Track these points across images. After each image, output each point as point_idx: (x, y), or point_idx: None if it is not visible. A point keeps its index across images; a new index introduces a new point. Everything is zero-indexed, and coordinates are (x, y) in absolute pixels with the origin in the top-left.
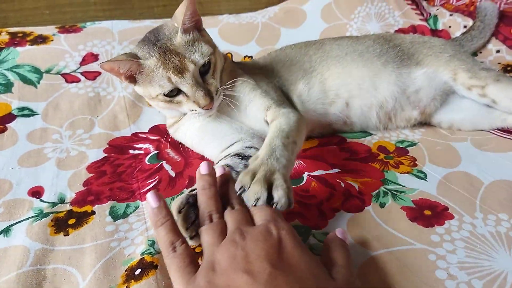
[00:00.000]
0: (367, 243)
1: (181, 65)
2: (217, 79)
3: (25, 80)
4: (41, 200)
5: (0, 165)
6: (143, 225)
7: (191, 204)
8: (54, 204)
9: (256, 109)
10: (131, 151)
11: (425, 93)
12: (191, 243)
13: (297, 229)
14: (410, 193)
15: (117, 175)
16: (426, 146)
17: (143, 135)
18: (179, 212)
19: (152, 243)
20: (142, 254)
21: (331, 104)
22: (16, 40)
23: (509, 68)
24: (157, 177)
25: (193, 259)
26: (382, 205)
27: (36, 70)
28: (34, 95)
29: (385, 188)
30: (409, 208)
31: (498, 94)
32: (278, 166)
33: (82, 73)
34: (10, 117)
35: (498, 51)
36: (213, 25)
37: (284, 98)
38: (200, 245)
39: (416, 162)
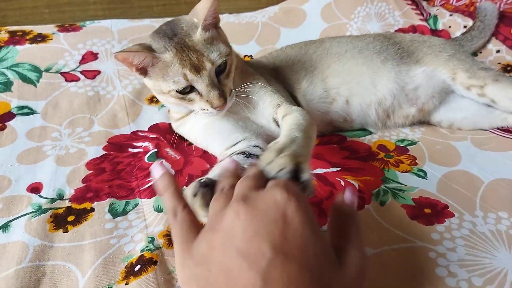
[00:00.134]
0: (368, 241)
1: (199, 63)
2: (231, 80)
3: (25, 79)
4: (40, 196)
5: None
6: (143, 223)
7: (205, 185)
8: (53, 200)
9: (266, 106)
10: (130, 149)
11: (423, 91)
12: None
13: None
14: (410, 191)
15: (116, 172)
16: (426, 145)
17: (143, 134)
18: (194, 196)
19: (152, 240)
20: (142, 251)
21: (332, 102)
22: (16, 38)
23: (509, 68)
24: None
25: (194, 224)
26: (382, 204)
27: (36, 69)
28: (34, 94)
29: (385, 187)
30: (409, 206)
31: (497, 94)
32: (302, 152)
33: (81, 72)
34: (10, 116)
35: (498, 51)
36: None
37: (291, 99)
38: None
39: (416, 161)
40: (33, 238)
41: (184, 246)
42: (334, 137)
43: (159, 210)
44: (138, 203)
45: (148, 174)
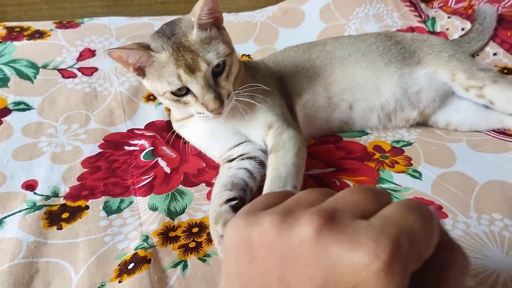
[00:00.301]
0: None
1: (194, 63)
2: (230, 82)
3: (22, 75)
4: (35, 193)
5: None
6: (137, 220)
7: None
8: (47, 197)
9: (258, 125)
10: (126, 147)
11: (425, 94)
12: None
13: None
14: (405, 192)
15: (111, 170)
16: (421, 146)
17: (139, 132)
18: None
19: (146, 238)
20: (136, 249)
21: (334, 109)
22: (13, 34)
23: (505, 71)
24: (152, 173)
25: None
26: None
27: (33, 65)
28: (30, 90)
29: (380, 187)
30: None
31: (495, 95)
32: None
33: (78, 69)
34: (6, 111)
35: (495, 54)
36: None
37: (288, 113)
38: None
39: (411, 161)
40: (27, 234)
41: (246, 212)
42: (330, 137)
43: (153, 208)
44: (133, 201)
45: (144, 172)
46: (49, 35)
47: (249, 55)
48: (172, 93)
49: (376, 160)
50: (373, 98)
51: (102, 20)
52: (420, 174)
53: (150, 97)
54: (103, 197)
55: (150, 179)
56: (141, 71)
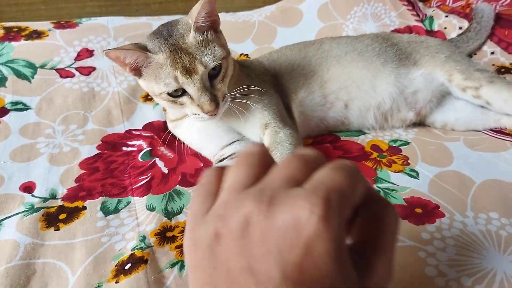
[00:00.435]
0: None
1: (191, 65)
2: (225, 85)
3: (19, 74)
4: (33, 195)
5: None
6: (135, 221)
7: None
8: (45, 200)
9: (254, 124)
10: (124, 148)
11: (422, 95)
12: None
13: None
14: (402, 191)
15: (109, 171)
16: (419, 146)
17: (137, 132)
18: None
19: (143, 239)
20: (133, 249)
21: (330, 108)
22: (11, 34)
23: (503, 70)
24: (149, 173)
25: (213, 193)
26: None
27: (31, 65)
28: (28, 90)
29: (378, 187)
30: (401, 206)
31: (492, 96)
32: None
33: (76, 69)
34: (3, 111)
35: (492, 53)
36: None
37: (284, 111)
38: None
39: (408, 161)
40: (24, 236)
41: (193, 223)
42: (327, 136)
43: (151, 208)
44: (130, 201)
45: (142, 172)
46: (47, 35)
47: (247, 55)
48: (168, 94)
49: (374, 159)
50: (369, 97)
51: (100, 20)
52: (417, 173)
53: (148, 97)
54: (100, 197)
55: (147, 179)
56: (137, 71)
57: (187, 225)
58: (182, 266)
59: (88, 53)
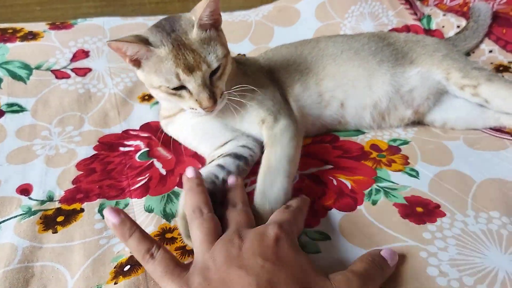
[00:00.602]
0: (359, 241)
1: (195, 63)
2: (224, 82)
3: (15, 76)
4: (30, 198)
5: None
6: None
7: None
8: (43, 202)
9: (251, 121)
10: (121, 148)
11: (418, 93)
12: (190, 243)
13: None
14: (402, 190)
15: (106, 172)
16: (418, 145)
17: (134, 133)
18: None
19: None
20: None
21: (326, 106)
22: (6, 36)
23: (501, 68)
24: (147, 174)
25: (177, 260)
26: (374, 203)
27: (26, 66)
28: (24, 91)
29: (378, 186)
30: (401, 205)
31: (490, 94)
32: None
33: (72, 70)
34: None
35: (490, 51)
36: None
37: (282, 102)
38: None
39: (408, 160)
40: (22, 239)
41: (177, 283)
42: (326, 136)
43: (149, 210)
44: (128, 203)
45: (139, 173)
46: (42, 37)
47: (244, 55)
48: (168, 87)
49: (373, 159)
50: (365, 96)
51: (95, 20)
52: (417, 172)
53: (145, 98)
54: (98, 199)
55: (145, 180)
56: (136, 62)
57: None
58: None
59: (84, 54)
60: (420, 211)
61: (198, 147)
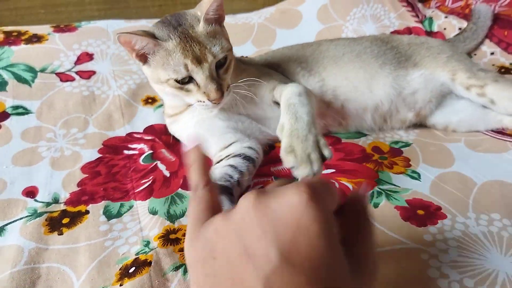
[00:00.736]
0: None
1: (201, 54)
2: (229, 76)
3: (20, 79)
4: (36, 200)
5: None
6: (137, 225)
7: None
8: (48, 204)
9: (263, 95)
10: (125, 152)
11: (421, 95)
12: None
13: None
14: (403, 193)
15: (111, 175)
16: (420, 147)
17: (138, 135)
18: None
19: (147, 243)
20: (137, 254)
21: (328, 106)
22: (11, 39)
23: (503, 70)
24: (151, 177)
25: (211, 205)
26: (376, 205)
27: (31, 69)
28: (29, 94)
29: (379, 188)
30: (403, 207)
31: (497, 94)
32: (306, 128)
33: (76, 72)
34: (4, 116)
35: (492, 53)
36: None
37: (287, 79)
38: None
39: (410, 162)
40: (28, 241)
41: (194, 226)
42: (329, 138)
43: (153, 212)
44: (133, 205)
45: (143, 176)
46: (47, 39)
47: (247, 57)
48: (176, 80)
49: (375, 161)
50: (366, 98)
51: (99, 23)
52: (418, 175)
53: (149, 100)
54: (103, 201)
55: (149, 182)
56: (143, 58)
57: (188, 230)
58: (186, 270)
59: (88, 56)
60: (421, 213)
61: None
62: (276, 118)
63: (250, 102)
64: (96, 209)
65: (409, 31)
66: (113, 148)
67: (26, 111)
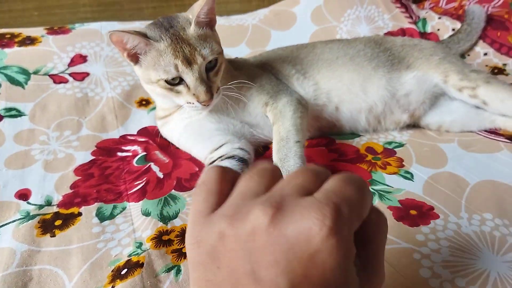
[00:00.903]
0: None
1: (191, 56)
2: (219, 79)
3: (13, 81)
4: (28, 203)
5: None
6: (130, 226)
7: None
8: (41, 207)
9: (255, 107)
10: (119, 153)
11: (414, 97)
12: None
13: None
14: (396, 193)
15: (104, 177)
16: (413, 147)
17: (132, 137)
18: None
19: (140, 245)
20: (129, 255)
21: (322, 109)
22: (4, 41)
23: (496, 71)
24: (145, 178)
25: (218, 191)
26: None
27: (24, 71)
28: (22, 96)
29: (372, 189)
30: (396, 208)
31: (489, 95)
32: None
33: (70, 74)
34: None
35: (485, 54)
36: None
37: (280, 83)
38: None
39: (403, 163)
40: (20, 243)
41: (197, 220)
42: (322, 139)
43: (146, 213)
44: (125, 207)
45: (137, 177)
46: (40, 41)
47: (241, 58)
48: (166, 81)
49: (369, 162)
50: (360, 100)
51: (93, 25)
52: (411, 175)
53: (143, 102)
54: (96, 203)
55: (142, 184)
56: (134, 58)
57: (190, 221)
58: (178, 271)
59: (82, 58)
60: (414, 213)
61: (192, 149)
62: (267, 125)
63: (242, 108)
64: (88, 211)
65: (403, 32)
66: (106, 150)
67: (19, 114)
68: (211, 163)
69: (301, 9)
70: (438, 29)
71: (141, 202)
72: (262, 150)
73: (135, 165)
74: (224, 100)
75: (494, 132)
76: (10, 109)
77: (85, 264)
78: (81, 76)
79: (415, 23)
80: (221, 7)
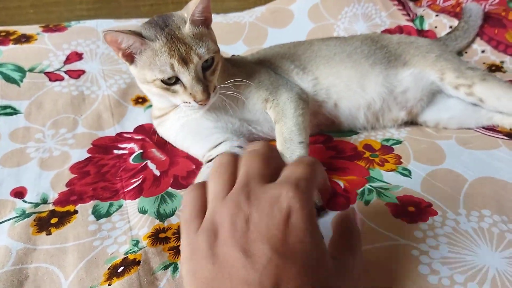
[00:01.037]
0: None
1: (187, 55)
2: (216, 77)
3: (8, 78)
4: (24, 201)
5: None
6: (127, 224)
7: None
8: (36, 205)
9: (254, 103)
10: (115, 151)
11: (412, 94)
12: None
13: None
14: (394, 190)
15: (100, 175)
16: (411, 144)
17: (128, 135)
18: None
19: (136, 243)
20: (126, 253)
21: (321, 105)
22: None
23: (493, 68)
24: (141, 176)
25: (201, 210)
26: (366, 203)
27: (20, 69)
28: (17, 94)
29: (370, 186)
30: (393, 204)
31: (485, 93)
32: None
33: (66, 72)
34: None
35: (483, 51)
36: None
37: (279, 78)
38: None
39: (401, 159)
40: (16, 242)
41: (189, 231)
42: (320, 137)
43: (143, 211)
44: (122, 205)
45: (133, 175)
46: (36, 39)
47: (238, 56)
48: (162, 81)
49: (366, 159)
50: (359, 97)
51: (89, 23)
52: (409, 172)
53: (139, 100)
54: (92, 201)
55: (139, 182)
56: (129, 57)
57: (182, 234)
58: (175, 268)
59: (78, 56)
60: (412, 210)
61: (190, 148)
62: (267, 121)
63: (241, 106)
64: (84, 209)
65: (400, 29)
66: (102, 148)
67: (14, 111)
68: (209, 161)
69: (298, 6)
70: (436, 27)
71: (137, 200)
72: None
73: (132, 162)
74: (221, 98)
75: (492, 129)
76: (5, 107)
77: (81, 262)
78: (77, 74)
79: (412, 20)
80: (218, 5)
